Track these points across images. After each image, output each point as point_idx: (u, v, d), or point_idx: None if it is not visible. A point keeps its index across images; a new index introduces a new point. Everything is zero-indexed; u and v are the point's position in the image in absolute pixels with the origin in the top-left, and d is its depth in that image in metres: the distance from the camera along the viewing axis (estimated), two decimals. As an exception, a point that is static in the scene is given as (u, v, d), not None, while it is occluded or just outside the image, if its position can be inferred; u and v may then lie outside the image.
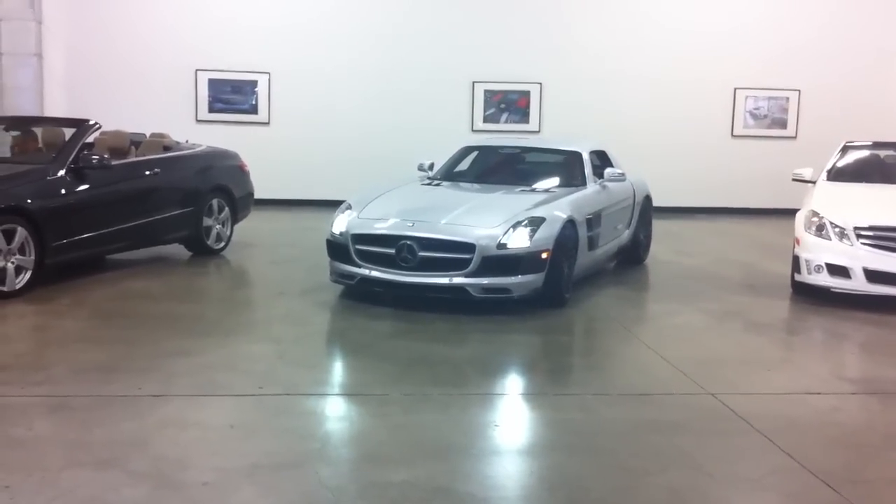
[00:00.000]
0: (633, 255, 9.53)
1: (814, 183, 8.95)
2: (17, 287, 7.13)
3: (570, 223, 7.41)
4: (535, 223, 7.12)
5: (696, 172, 14.65)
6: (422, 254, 6.98)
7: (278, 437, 4.42)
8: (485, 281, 6.97)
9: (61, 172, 7.68)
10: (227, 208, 9.67)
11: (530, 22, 14.33)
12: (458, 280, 6.95)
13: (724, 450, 4.44)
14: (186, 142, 9.92)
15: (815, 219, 7.93)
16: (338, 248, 7.44)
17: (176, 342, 6.06)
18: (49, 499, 3.63)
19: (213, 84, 14.03)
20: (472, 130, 14.24)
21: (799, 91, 14.87)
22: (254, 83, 14.10)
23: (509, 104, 14.58)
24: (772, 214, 14.11)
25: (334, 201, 8.77)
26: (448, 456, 4.23)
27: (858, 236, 7.62)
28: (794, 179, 9.37)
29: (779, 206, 13.77)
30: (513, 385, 5.73)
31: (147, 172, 8.73)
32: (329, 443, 4.46)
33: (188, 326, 6.55)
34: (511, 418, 4.98)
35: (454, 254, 6.97)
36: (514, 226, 7.08)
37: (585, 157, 8.73)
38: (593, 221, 7.99)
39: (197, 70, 13.93)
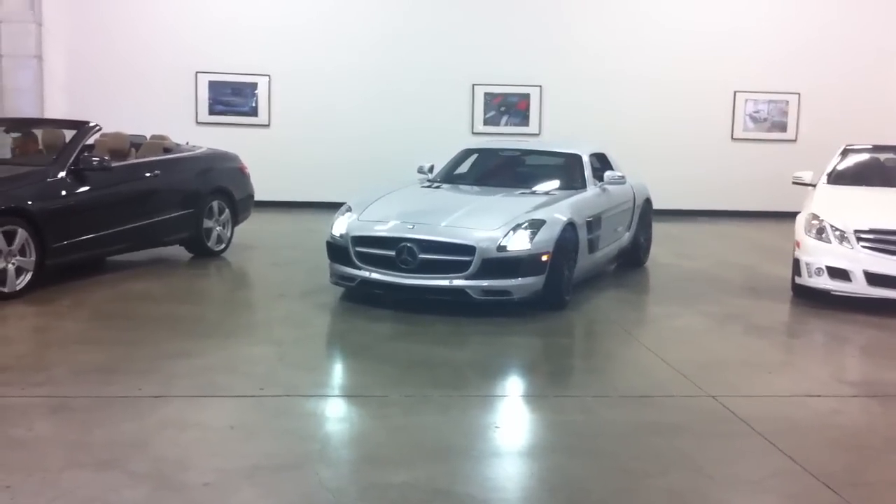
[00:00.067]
0: (633, 258, 9.53)
1: (814, 186, 8.95)
2: (18, 288, 7.13)
3: (570, 226, 7.41)
4: (536, 226, 7.13)
5: (696, 175, 14.66)
6: (422, 256, 6.98)
7: (279, 438, 4.42)
8: (485, 283, 6.97)
9: (62, 174, 7.69)
10: (227, 210, 9.67)
11: (530, 23, 14.34)
12: (458, 282, 6.95)
13: (725, 452, 4.44)
14: (187, 144, 9.93)
15: (816, 222, 7.93)
16: (338, 251, 7.44)
17: (176, 344, 6.05)
18: (49, 499, 3.63)
19: (214, 86, 14.04)
20: (473, 133, 14.24)
21: (799, 94, 14.89)
22: (254, 85, 14.11)
23: (509, 107, 14.59)
24: (772, 217, 14.11)
25: (334, 203, 8.77)
26: (448, 457, 4.23)
27: (859, 239, 7.62)
28: (795, 182, 9.37)
29: (779, 209, 13.77)
30: (513, 387, 5.73)
31: (147, 174, 8.73)
32: (329, 444, 4.46)
33: (188, 328, 6.55)
34: (511, 420, 4.98)
35: (454, 256, 6.97)
36: (515, 228, 7.08)
37: (585, 159, 8.73)
38: (593, 224, 7.99)
39: (197, 72, 13.94)
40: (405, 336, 6.54)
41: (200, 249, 9.42)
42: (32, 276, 7.24)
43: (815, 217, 7.97)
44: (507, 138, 13.75)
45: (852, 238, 7.64)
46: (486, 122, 14.52)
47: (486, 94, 14.48)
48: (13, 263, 7.08)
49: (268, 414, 4.77)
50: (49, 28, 12.95)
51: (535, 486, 4.05)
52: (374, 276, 7.15)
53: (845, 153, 9.39)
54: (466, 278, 6.94)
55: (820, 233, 7.84)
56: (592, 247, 8.03)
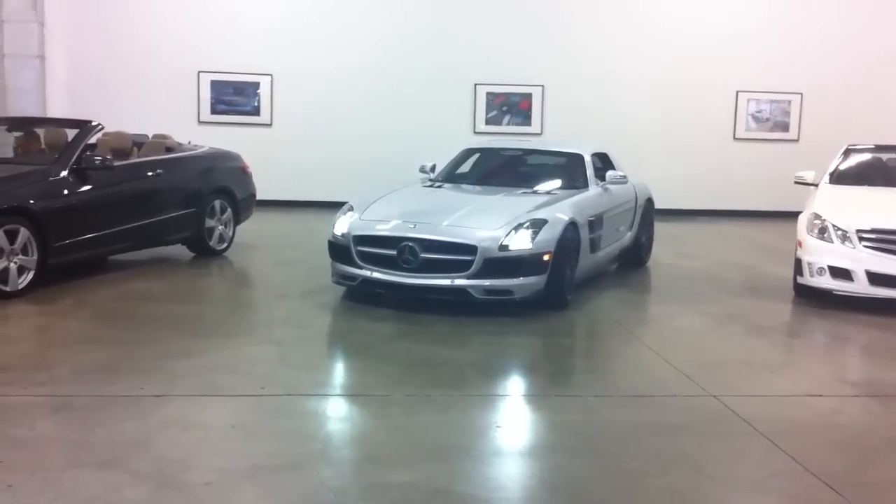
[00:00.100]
0: (634, 258, 9.53)
1: (816, 186, 8.96)
2: (20, 287, 7.14)
3: (571, 225, 7.41)
4: (537, 225, 7.13)
5: (698, 175, 14.65)
6: (423, 255, 6.99)
7: (280, 437, 4.43)
8: (486, 283, 6.97)
9: (64, 173, 7.70)
10: (229, 209, 9.67)
11: (530, 23, 14.34)
12: (459, 282, 6.95)
13: (726, 452, 4.44)
14: (189, 143, 9.94)
15: (818, 221, 7.93)
16: (339, 250, 7.44)
17: (178, 343, 6.06)
18: (51, 499, 3.63)
19: (216, 86, 14.05)
20: (475, 133, 14.24)
21: (801, 94, 14.88)
22: (256, 85, 14.12)
23: (511, 106, 14.59)
24: (774, 217, 14.11)
25: (336, 203, 8.78)
26: (449, 457, 4.23)
27: (861, 239, 7.62)
28: (797, 182, 9.37)
29: (781, 208, 13.77)
30: (514, 386, 5.73)
31: (149, 173, 8.74)
32: (330, 444, 4.46)
33: (190, 328, 6.55)
34: (512, 420, 4.98)
35: (456, 255, 6.97)
36: (516, 228, 7.08)
37: (587, 159, 8.73)
38: (595, 224, 7.99)
39: (199, 72, 13.94)
40: (406, 335, 6.55)
41: (202, 249, 9.43)
42: (34, 275, 7.24)
43: (817, 217, 7.97)
44: (508, 138, 13.75)
45: (854, 238, 7.64)
46: (488, 122, 14.52)
47: (488, 94, 14.47)
48: (15, 262, 7.09)
49: (269, 413, 4.78)
50: (51, 28, 12.96)
51: (536, 485, 4.05)
52: (376, 275, 7.15)
53: (847, 153, 9.39)
54: (468, 278, 6.94)
55: (822, 232, 7.83)
56: (594, 246, 8.02)
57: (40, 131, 8.78)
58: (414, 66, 14.22)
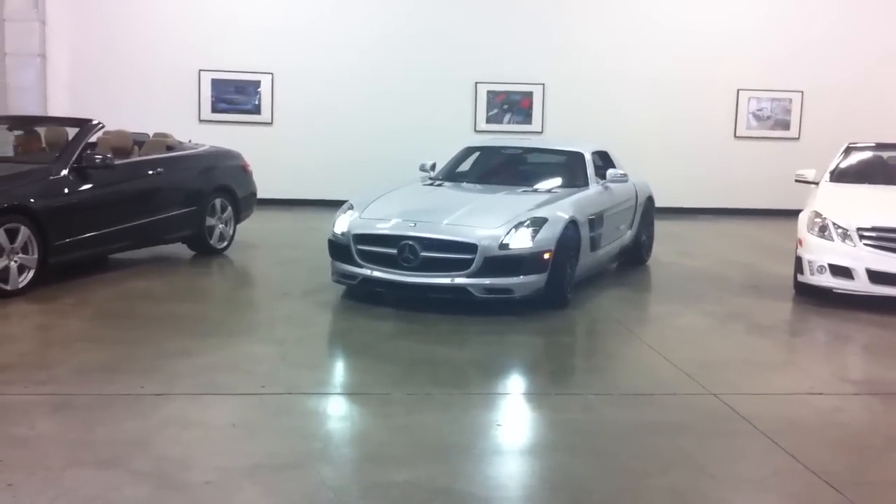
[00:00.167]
0: (635, 256, 9.53)
1: (817, 184, 8.95)
2: (20, 286, 7.14)
3: (572, 224, 7.40)
4: (538, 224, 7.12)
5: (698, 173, 14.65)
6: (424, 254, 6.98)
7: (280, 436, 4.43)
8: (487, 281, 6.96)
9: (64, 172, 7.70)
10: (229, 208, 9.67)
11: (531, 22, 14.33)
12: (460, 280, 6.95)
13: (727, 450, 4.44)
14: (189, 142, 9.93)
15: (818, 220, 7.92)
16: (340, 249, 7.44)
17: (178, 342, 6.06)
18: (51, 498, 3.63)
19: (217, 84, 14.05)
20: (475, 131, 14.24)
21: (802, 92, 14.87)
22: (257, 83, 14.12)
23: (512, 105, 14.58)
24: (774, 216, 14.11)
25: (336, 201, 8.78)
26: (450, 456, 4.23)
27: (861, 237, 7.62)
28: (797, 180, 9.37)
29: (781, 207, 13.77)
30: (515, 385, 5.73)
31: (150, 172, 8.74)
32: (331, 443, 4.46)
33: (191, 327, 6.55)
34: (513, 418, 4.98)
35: (456, 254, 6.97)
36: (517, 226, 7.07)
37: (588, 157, 8.72)
38: (595, 222, 7.98)
39: (200, 70, 13.94)
40: (407, 334, 6.54)
41: (203, 247, 9.43)
42: (35, 273, 7.24)
43: (818, 215, 7.96)
44: (509, 136, 13.75)
45: (855, 236, 7.64)
46: (488, 120, 14.51)
47: (489, 93, 14.46)
48: (16, 261, 7.09)
49: (269, 412, 4.78)
50: (52, 26, 12.96)
51: (537, 484, 4.05)
52: (376, 274, 7.15)
53: (848, 151, 9.38)
54: (468, 276, 6.94)
55: (822, 230, 7.83)
56: (594, 245, 8.02)
57: (41, 130, 8.78)
58: (414, 66, 14.21)
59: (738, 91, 14.81)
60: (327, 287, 7.73)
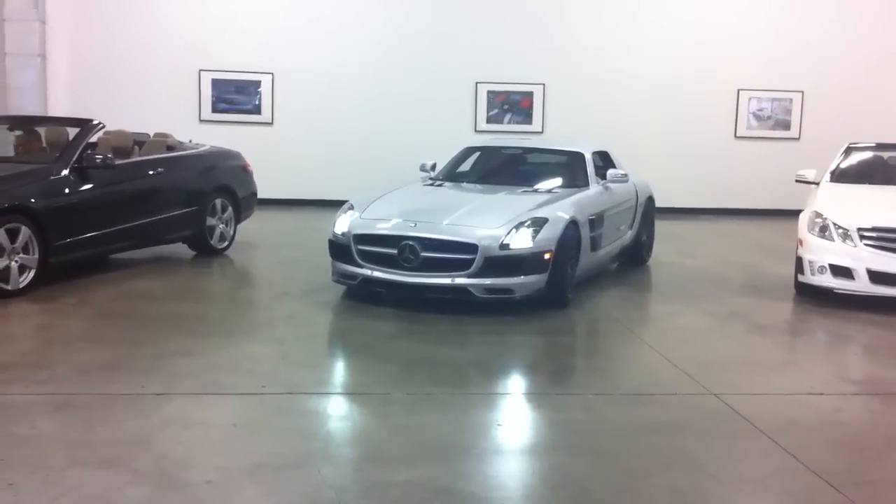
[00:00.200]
0: (635, 257, 9.53)
1: (817, 184, 8.96)
2: (21, 286, 7.15)
3: (572, 224, 7.41)
4: (538, 224, 7.12)
5: (699, 174, 14.66)
6: (424, 254, 6.98)
7: (281, 436, 4.43)
8: (487, 281, 6.97)
9: (65, 172, 7.70)
10: (230, 208, 9.68)
11: (531, 22, 14.34)
12: (460, 281, 6.95)
13: (727, 450, 4.44)
14: (190, 142, 9.94)
15: (819, 220, 7.93)
16: (340, 249, 7.44)
17: (179, 342, 6.06)
18: (52, 497, 3.64)
19: (217, 84, 14.05)
20: (476, 131, 14.25)
21: (802, 92, 14.87)
22: (257, 83, 14.12)
23: (512, 105, 14.59)
24: (775, 216, 14.11)
25: (337, 201, 8.78)
26: (450, 456, 4.24)
27: (862, 237, 7.62)
28: (798, 181, 9.38)
29: (782, 207, 13.78)
30: (515, 385, 5.73)
31: (150, 172, 8.75)
32: (331, 442, 4.46)
33: (191, 326, 6.56)
34: (513, 418, 4.98)
35: (456, 254, 6.97)
36: (517, 226, 7.07)
37: (588, 157, 8.72)
38: (596, 222, 7.99)
39: (200, 70, 13.95)
40: (407, 334, 6.55)
41: (203, 247, 9.43)
42: (35, 273, 7.25)
43: (819, 215, 7.96)
44: (509, 136, 13.75)
45: (855, 236, 7.64)
46: (489, 120, 14.52)
47: (489, 92, 14.47)
48: (16, 261, 7.10)
49: (270, 412, 4.78)
50: (53, 26, 12.96)
51: (537, 484, 4.05)
52: (376, 274, 7.15)
53: (848, 151, 9.39)
54: (469, 276, 6.94)
55: (823, 231, 7.83)
56: (595, 245, 8.02)
57: (41, 130, 8.79)
58: (414, 66, 14.22)
59: (738, 91, 14.82)
60: (327, 287, 7.74)
